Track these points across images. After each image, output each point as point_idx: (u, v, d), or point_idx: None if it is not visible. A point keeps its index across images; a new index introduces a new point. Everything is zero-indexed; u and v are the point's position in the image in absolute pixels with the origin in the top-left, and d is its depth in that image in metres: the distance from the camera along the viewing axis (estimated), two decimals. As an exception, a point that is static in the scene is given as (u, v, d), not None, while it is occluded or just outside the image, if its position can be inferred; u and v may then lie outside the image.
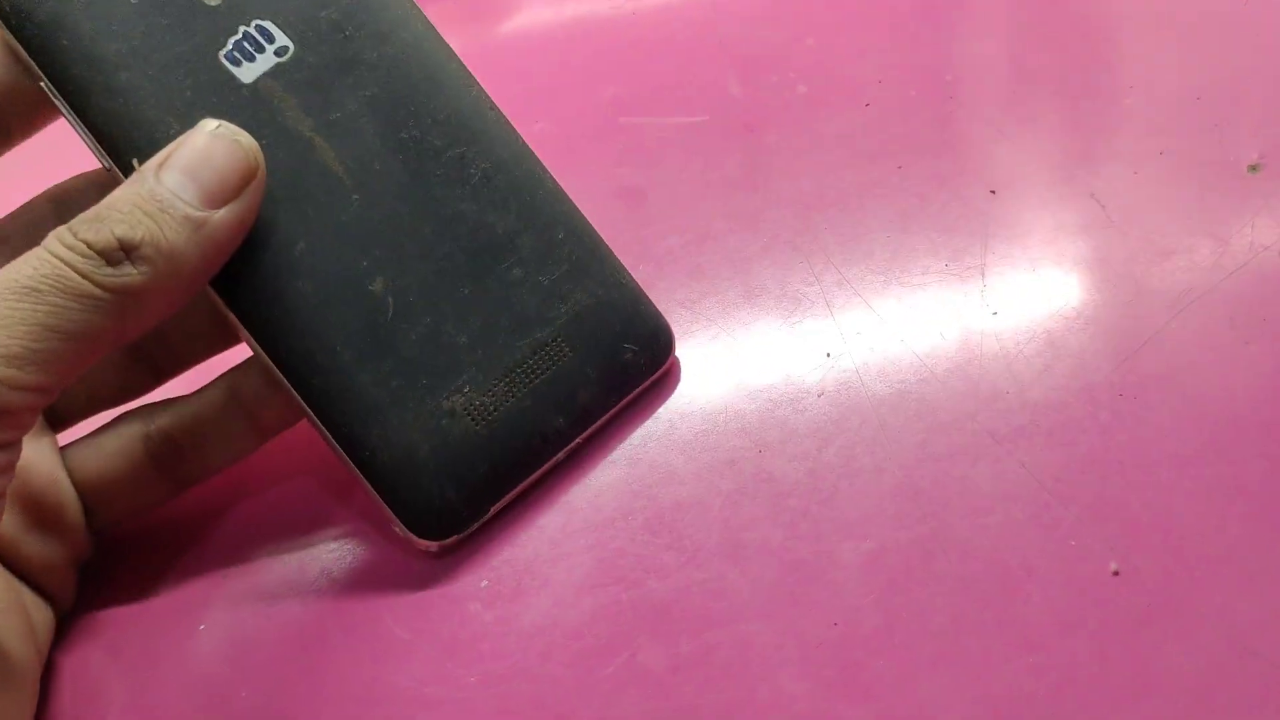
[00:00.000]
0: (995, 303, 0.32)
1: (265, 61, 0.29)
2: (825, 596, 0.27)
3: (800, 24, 0.42)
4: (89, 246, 0.24)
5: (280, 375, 0.28)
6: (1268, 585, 0.26)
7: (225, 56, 0.28)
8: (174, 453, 0.30)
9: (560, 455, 0.30)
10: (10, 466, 0.25)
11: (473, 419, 0.29)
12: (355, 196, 0.29)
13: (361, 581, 0.30)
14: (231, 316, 0.28)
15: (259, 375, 0.30)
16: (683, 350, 0.33)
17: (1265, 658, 0.25)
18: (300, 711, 0.27)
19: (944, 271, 0.33)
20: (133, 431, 0.30)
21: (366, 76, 0.29)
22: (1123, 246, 0.33)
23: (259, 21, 0.29)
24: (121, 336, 0.25)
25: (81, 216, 0.25)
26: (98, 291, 0.24)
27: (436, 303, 0.29)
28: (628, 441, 0.31)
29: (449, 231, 0.29)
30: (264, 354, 0.28)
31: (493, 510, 0.29)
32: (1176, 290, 0.31)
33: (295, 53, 0.29)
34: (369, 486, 0.29)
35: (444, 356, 0.29)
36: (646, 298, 0.31)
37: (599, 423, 0.31)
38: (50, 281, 0.24)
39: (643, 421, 0.31)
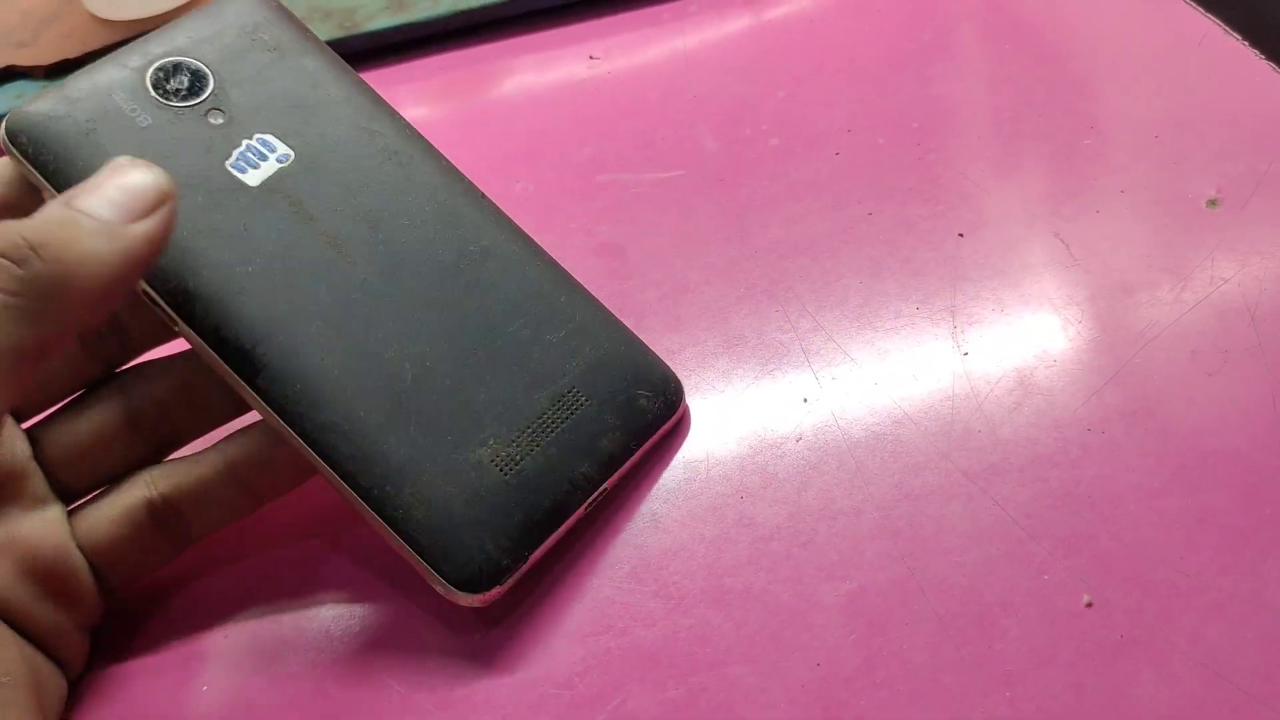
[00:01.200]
0: (966, 344, 0.33)
1: (268, 168, 0.31)
2: (807, 638, 0.28)
3: (771, 77, 0.43)
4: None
5: (305, 446, 0.29)
6: (1238, 613, 0.26)
7: (232, 165, 0.31)
8: (176, 516, 0.31)
9: (592, 500, 0.31)
10: None
11: (501, 470, 0.30)
12: (364, 277, 0.31)
13: (360, 639, 0.30)
14: (250, 393, 0.29)
15: (254, 443, 0.31)
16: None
17: (1236, 685, 0.25)
18: (301, 770, 0.28)
19: (915, 314, 0.34)
20: (136, 497, 0.30)
21: (361, 178, 0.32)
22: (1087, 284, 0.34)
23: (260, 135, 0.31)
24: (46, 340, 0.25)
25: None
26: (6, 297, 0.24)
27: (453, 366, 0.30)
28: (614, 490, 0.32)
29: (456, 302, 0.31)
30: (287, 428, 0.29)
31: (531, 560, 0.30)
32: (1140, 325, 0.32)
33: (298, 160, 0.31)
34: (406, 547, 0.29)
35: (466, 414, 0.30)
36: (649, 349, 0.33)
37: (624, 468, 0.31)
38: None
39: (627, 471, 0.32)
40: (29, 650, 0.29)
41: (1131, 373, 0.31)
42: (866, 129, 0.40)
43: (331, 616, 0.31)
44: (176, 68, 0.31)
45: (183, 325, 0.29)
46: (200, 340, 0.29)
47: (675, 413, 0.33)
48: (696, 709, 0.27)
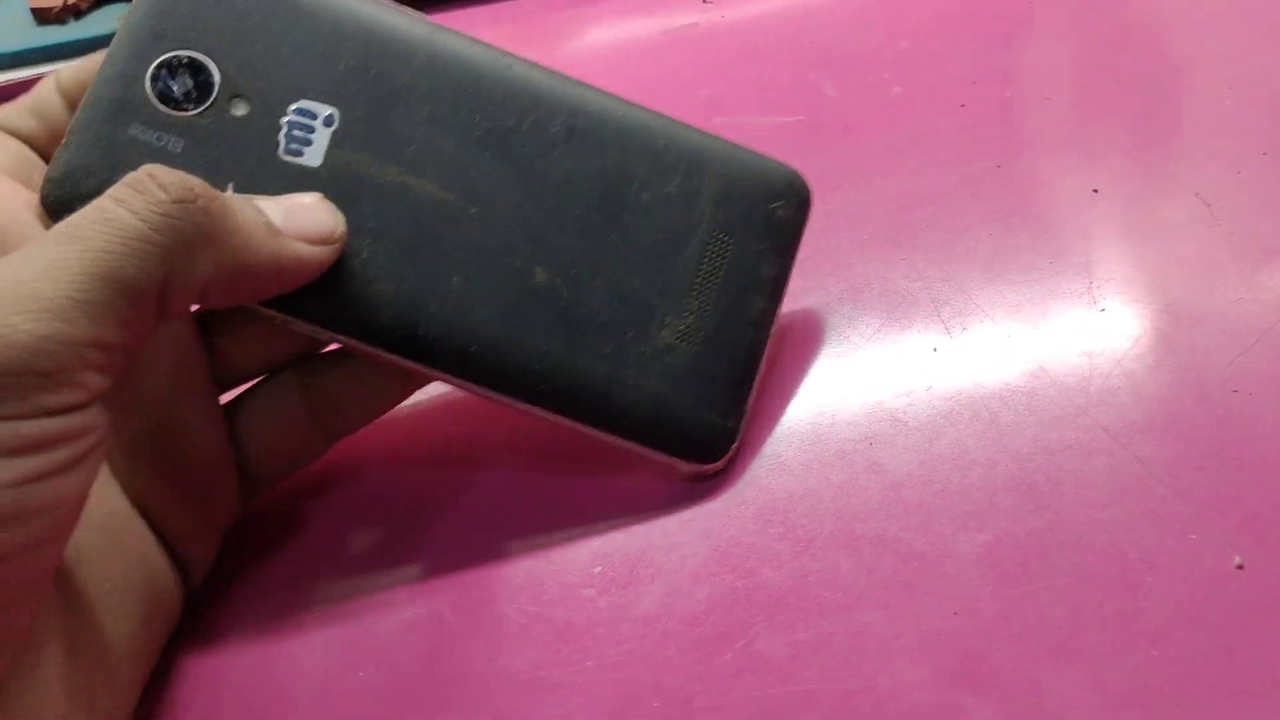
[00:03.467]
0: (1103, 300, 0.32)
1: (321, 137, 0.29)
2: (942, 587, 0.27)
3: (892, 28, 0.42)
4: (152, 178, 0.23)
5: (505, 399, 0.29)
6: (1393, 582, 0.26)
7: (285, 153, 0.28)
8: (329, 405, 0.31)
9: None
10: (90, 431, 0.23)
11: (686, 342, 0.30)
12: (473, 209, 0.29)
13: (472, 565, 0.30)
14: (429, 372, 0.29)
15: None
16: (786, 345, 0.33)
17: (1395, 654, 0.24)
18: (418, 692, 0.28)
19: (1048, 269, 0.33)
20: (291, 386, 0.30)
21: (412, 98, 0.29)
22: (1228, 245, 0.33)
23: (294, 105, 0.29)
24: (169, 287, 0.24)
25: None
26: (144, 228, 0.23)
27: (597, 264, 0.29)
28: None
29: (567, 195, 0.30)
30: (484, 390, 0.29)
31: (748, 409, 0.30)
32: (1288, 288, 0.31)
33: (342, 115, 0.29)
34: (639, 449, 0.29)
35: (631, 305, 0.29)
36: (763, 155, 0.31)
37: (787, 284, 0.31)
38: (99, 226, 0.22)
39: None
40: (153, 554, 0.28)
41: (1277, 337, 0.30)
42: (992, 81, 0.39)
43: (443, 541, 0.31)
44: (173, 70, 0.28)
45: (328, 335, 0.29)
46: (355, 344, 0.29)
47: (809, 208, 0.31)
48: (828, 653, 0.26)
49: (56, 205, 0.27)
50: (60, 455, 0.22)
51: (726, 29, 0.45)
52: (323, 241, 0.27)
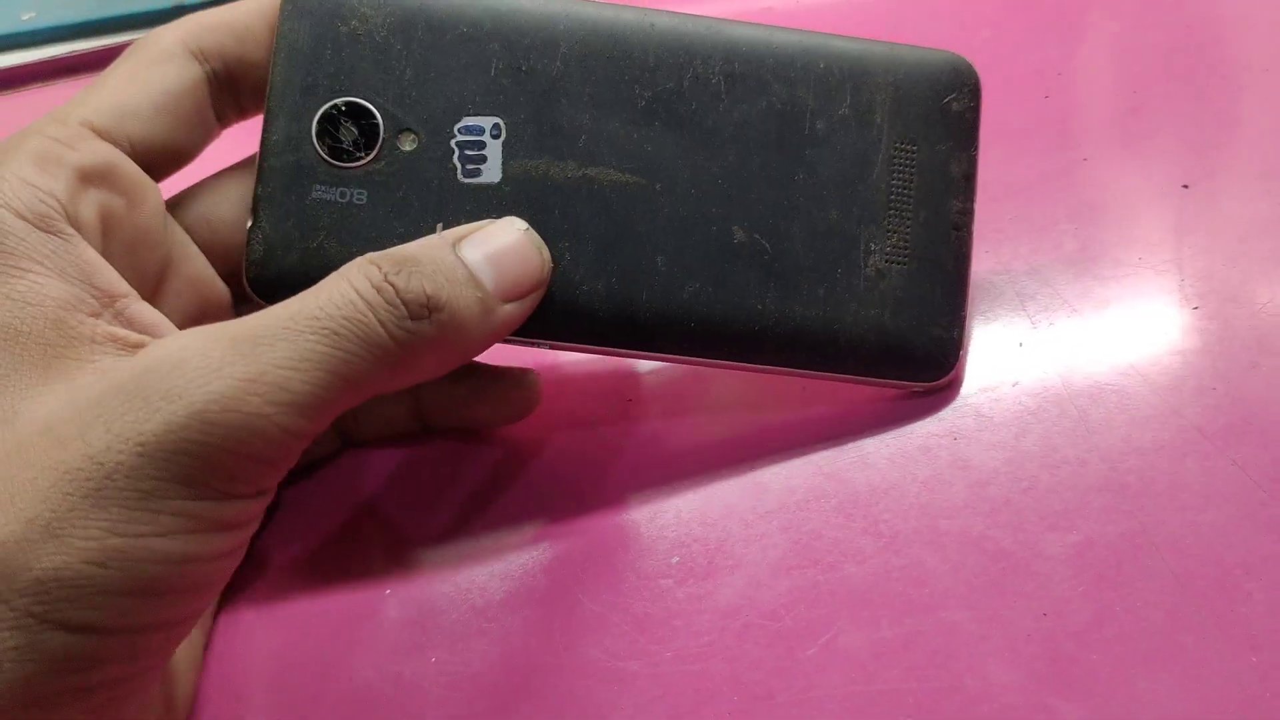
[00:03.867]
0: (1195, 298, 0.31)
1: (493, 151, 0.28)
2: (1032, 587, 0.26)
3: (973, 16, 0.41)
4: (397, 293, 0.24)
5: (734, 366, 0.29)
6: None
7: (463, 176, 0.28)
8: (432, 407, 0.32)
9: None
10: (260, 514, 0.24)
11: (896, 261, 0.29)
12: (658, 185, 0.29)
13: (548, 554, 0.29)
14: (658, 358, 0.29)
15: None
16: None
17: None
18: (493, 678, 0.27)
19: (1138, 264, 0.32)
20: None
21: (569, 86, 0.29)
22: (1326, 244, 0.32)
23: (459, 125, 0.28)
24: (385, 389, 0.25)
25: (386, 256, 0.25)
26: (390, 345, 0.24)
27: (791, 206, 0.29)
28: (815, 424, 0.31)
29: (745, 144, 0.29)
30: (707, 362, 0.29)
31: (965, 311, 0.30)
32: (1391, 290, 0.30)
33: (507, 122, 0.29)
34: (874, 382, 0.30)
35: (835, 239, 0.29)
36: (923, 49, 0.31)
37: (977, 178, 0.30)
38: (351, 326, 0.23)
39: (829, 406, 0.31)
40: None
41: (1380, 339, 0.29)
42: (1077, 72, 0.38)
43: (519, 529, 0.30)
44: (335, 122, 0.28)
45: (545, 345, 0.29)
46: (575, 348, 0.29)
47: (980, 92, 0.30)
48: (913, 651, 0.26)
49: (264, 285, 0.28)
50: (244, 535, 0.23)
51: (803, 13, 0.44)
52: (534, 289, 0.27)
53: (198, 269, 0.29)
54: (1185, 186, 0.34)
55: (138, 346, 0.24)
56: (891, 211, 0.29)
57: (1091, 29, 0.40)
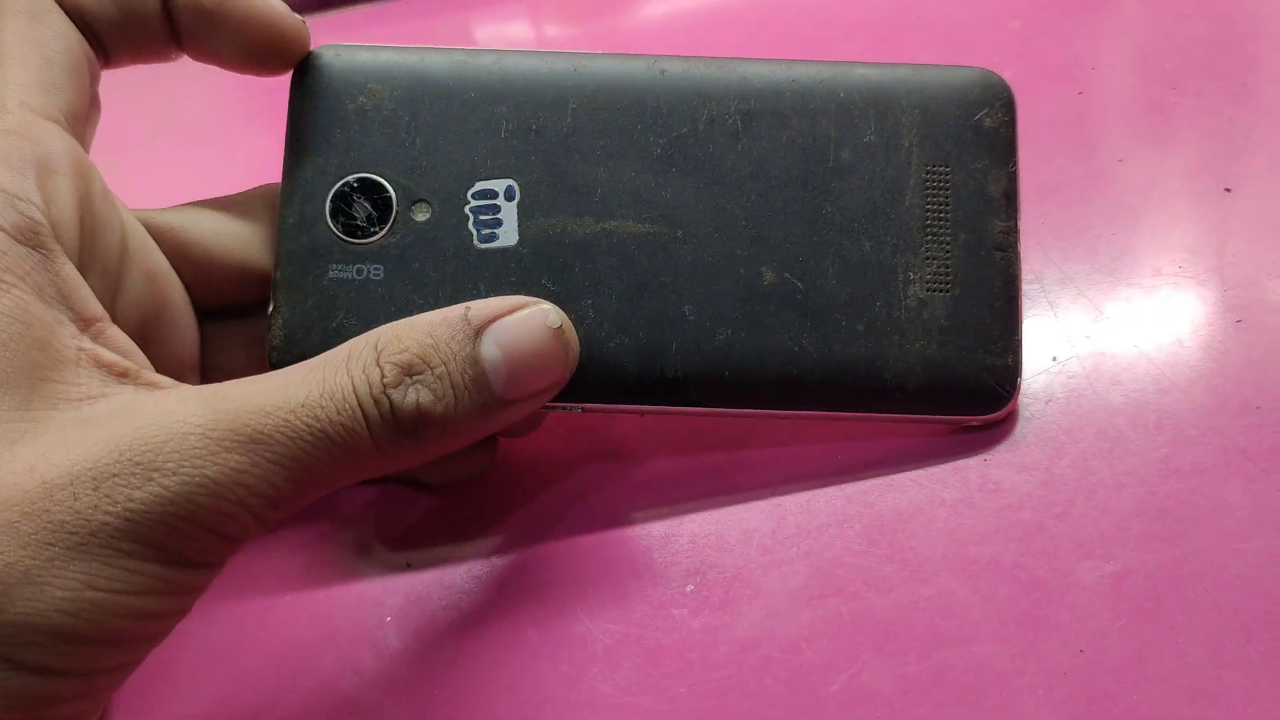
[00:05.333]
0: (1238, 310, 0.29)
1: (509, 214, 0.28)
2: (1067, 620, 0.25)
3: (1004, 6, 0.40)
4: (392, 408, 0.23)
5: (774, 414, 0.28)
6: None
7: (480, 242, 0.28)
8: None
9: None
10: (207, 584, 0.24)
11: (938, 289, 0.28)
12: (679, 232, 0.28)
13: (554, 580, 0.28)
14: (688, 412, 0.28)
15: None
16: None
17: None
18: (496, 713, 0.26)
19: (1178, 274, 0.31)
20: None
21: (581, 141, 0.28)
22: (1377, 251, 0.30)
23: (471, 191, 0.28)
24: (359, 479, 0.25)
25: (395, 348, 0.24)
26: (375, 454, 0.24)
27: (819, 243, 0.28)
28: (837, 444, 0.29)
29: (767, 182, 0.28)
30: (745, 414, 0.28)
31: (1021, 337, 0.28)
32: None
33: (521, 183, 0.28)
34: (922, 418, 0.28)
35: (870, 271, 0.28)
36: (950, 67, 0.29)
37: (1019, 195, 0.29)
38: (345, 435, 0.23)
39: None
40: None
41: None
42: (1113, 67, 0.37)
43: (525, 556, 0.29)
44: (348, 200, 0.28)
45: (575, 409, 0.28)
46: (605, 408, 0.28)
47: (1015, 106, 0.29)
48: (942, 688, 0.25)
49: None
50: (200, 594, 0.23)
51: (823, 13, 0.42)
52: (547, 393, 0.26)
53: (154, 261, 0.28)
54: (1227, 190, 0.32)
55: (114, 368, 0.23)
56: (928, 237, 0.28)
57: (1128, 20, 0.38)
